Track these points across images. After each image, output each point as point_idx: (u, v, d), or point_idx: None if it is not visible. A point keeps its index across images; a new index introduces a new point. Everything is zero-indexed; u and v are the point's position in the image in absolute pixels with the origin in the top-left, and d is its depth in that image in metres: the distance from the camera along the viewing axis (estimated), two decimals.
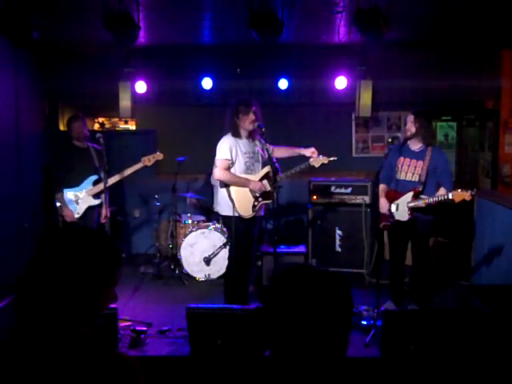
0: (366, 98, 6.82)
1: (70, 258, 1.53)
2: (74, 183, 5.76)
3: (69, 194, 5.73)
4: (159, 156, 5.80)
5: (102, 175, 5.41)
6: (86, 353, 1.50)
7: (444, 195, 5.00)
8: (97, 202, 5.78)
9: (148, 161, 5.75)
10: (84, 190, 5.75)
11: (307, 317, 1.47)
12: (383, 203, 5.34)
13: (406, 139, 5.28)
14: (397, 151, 5.32)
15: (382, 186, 5.48)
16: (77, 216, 5.73)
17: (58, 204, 5.72)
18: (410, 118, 5.26)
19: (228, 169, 5.12)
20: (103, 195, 5.82)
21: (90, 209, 5.79)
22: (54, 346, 1.48)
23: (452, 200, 4.94)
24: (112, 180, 5.66)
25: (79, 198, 5.73)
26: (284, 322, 1.49)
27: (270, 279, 1.59)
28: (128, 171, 5.71)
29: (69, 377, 1.44)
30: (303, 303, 1.48)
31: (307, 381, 1.47)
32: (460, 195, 4.90)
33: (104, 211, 5.77)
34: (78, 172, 5.78)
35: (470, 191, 4.90)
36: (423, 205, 5.08)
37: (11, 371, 1.45)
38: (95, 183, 5.79)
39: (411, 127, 5.23)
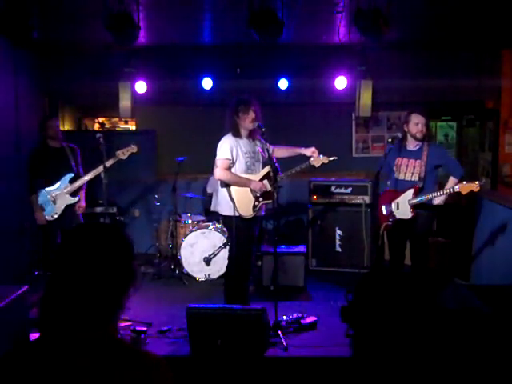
0: (366, 98, 6.83)
1: (92, 254, 1.52)
2: (51, 183, 5.73)
3: (46, 195, 5.69)
4: (133, 149, 5.72)
5: (102, 176, 5.39)
6: (117, 352, 1.49)
7: (449, 188, 4.94)
8: (75, 199, 5.76)
9: (122, 154, 5.67)
10: (61, 189, 5.71)
11: (396, 315, 1.51)
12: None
13: (418, 139, 5.24)
14: (396, 151, 5.32)
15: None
16: (55, 216, 5.69)
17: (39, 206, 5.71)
18: (421, 119, 5.21)
19: (229, 169, 5.12)
20: (81, 192, 5.82)
21: (68, 207, 5.76)
22: (86, 346, 1.47)
23: (459, 193, 4.89)
24: (90, 175, 5.64)
25: (57, 198, 5.71)
26: (374, 320, 1.54)
27: (362, 278, 1.64)
28: (106, 165, 5.59)
29: (101, 377, 1.44)
30: (393, 302, 1.54)
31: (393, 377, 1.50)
32: (466, 187, 4.83)
33: (80, 202, 5.77)
34: (54, 172, 5.74)
35: (477, 182, 4.83)
36: (425, 200, 5.07)
37: (46, 371, 1.44)
38: (71, 181, 5.75)
39: (423, 128, 5.21)
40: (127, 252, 1.58)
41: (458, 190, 4.88)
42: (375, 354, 1.56)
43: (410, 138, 5.28)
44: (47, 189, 5.70)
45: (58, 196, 5.70)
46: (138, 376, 1.46)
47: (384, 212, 5.33)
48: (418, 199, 5.11)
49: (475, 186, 4.82)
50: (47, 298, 1.51)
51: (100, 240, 1.56)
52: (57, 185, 5.71)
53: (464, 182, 4.88)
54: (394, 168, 5.32)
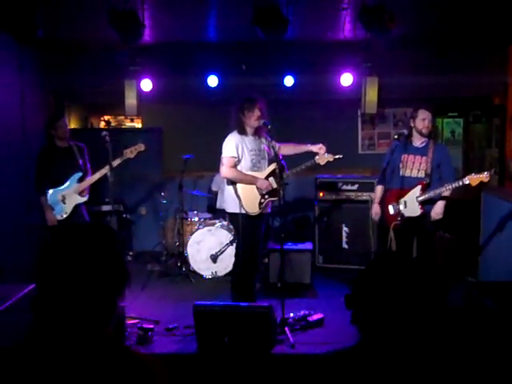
0: (371, 95, 6.80)
1: (78, 255, 1.49)
2: (59, 183, 5.69)
3: (55, 195, 5.66)
4: (141, 147, 5.69)
5: (108, 174, 5.39)
6: (114, 353, 1.49)
7: (459, 181, 4.90)
8: (84, 199, 5.74)
9: (130, 153, 5.64)
10: (70, 189, 5.68)
11: (398, 300, 1.57)
12: (376, 209, 5.42)
13: (424, 135, 5.22)
14: (402, 148, 5.30)
15: (379, 188, 5.48)
16: (65, 216, 5.66)
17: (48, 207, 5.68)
18: (428, 115, 5.17)
19: (234, 166, 5.12)
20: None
21: (77, 207, 5.73)
22: (84, 347, 1.47)
23: (468, 185, 4.85)
24: (98, 175, 5.61)
25: (66, 197, 5.67)
26: (376, 307, 1.60)
27: (365, 268, 1.69)
28: (113, 164, 5.48)
29: (98, 378, 1.43)
30: (394, 287, 1.59)
31: (400, 364, 1.55)
32: (476, 179, 4.79)
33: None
34: (62, 172, 5.69)
35: (486, 172, 4.80)
36: (434, 196, 5.05)
37: (44, 372, 1.43)
38: (80, 180, 5.72)
39: (429, 124, 5.19)
40: (115, 251, 1.56)
41: (467, 182, 4.84)
42: (380, 339, 1.58)
43: (416, 135, 5.26)
44: (56, 189, 5.70)
45: (67, 195, 5.69)
46: (134, 377, 1.45)
47: (391, 212, 5.28)
48: (427, 195, 5.09)
49: (484, 176, 4.78)
50: (41, 301, 1.50)
51: (86, 240, 1.54)
52: (66, 184, 5.70)
53: (473, 174, 4.84)
54: (400, 165, 5.30)
